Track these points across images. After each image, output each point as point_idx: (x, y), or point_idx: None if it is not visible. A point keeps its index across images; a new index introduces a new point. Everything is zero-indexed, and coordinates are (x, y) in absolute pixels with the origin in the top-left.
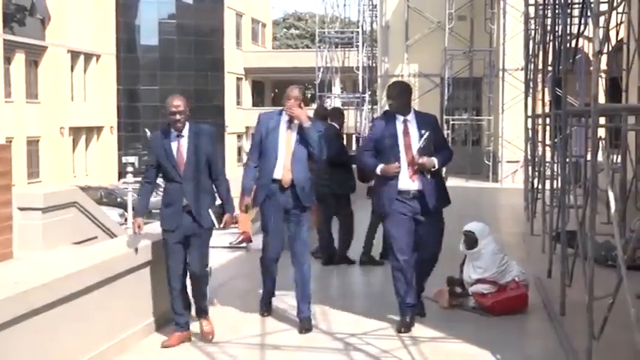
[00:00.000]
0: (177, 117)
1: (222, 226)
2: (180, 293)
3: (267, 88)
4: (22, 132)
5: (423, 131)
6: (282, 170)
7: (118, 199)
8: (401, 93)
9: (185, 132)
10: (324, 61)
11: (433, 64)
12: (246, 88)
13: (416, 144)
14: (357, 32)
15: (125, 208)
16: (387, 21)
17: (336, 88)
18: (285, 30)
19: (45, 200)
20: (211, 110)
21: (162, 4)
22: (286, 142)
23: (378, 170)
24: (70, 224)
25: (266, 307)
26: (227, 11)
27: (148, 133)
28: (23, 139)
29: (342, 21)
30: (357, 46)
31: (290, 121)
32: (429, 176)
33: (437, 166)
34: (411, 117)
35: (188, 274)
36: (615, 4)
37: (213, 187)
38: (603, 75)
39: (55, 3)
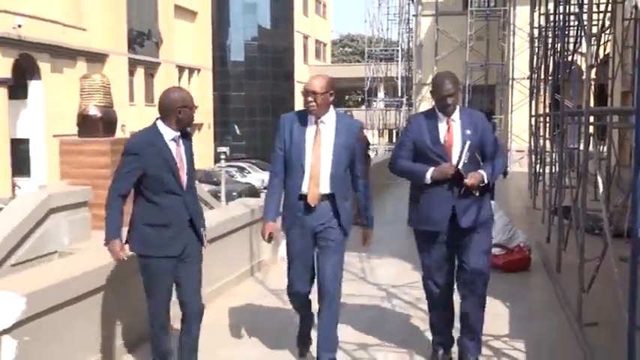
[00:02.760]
0: (193, 113)
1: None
2: (167, 329)
3: None
4: (142, 128)
5: (466, 141)
6: (309, 183)
7: (214, 179)
8: (457, 83)
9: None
10: (371, 73)
11: (456, 74)
12: None
13: (457, 152)
14: (397, 50)
15: (218, 185)
16: (421, 41)
17: (381, 94)
18: (341, 48)
19: None
20: (283, 112)
21: (247, 29)
22: (314, 148)
23: (429, 176)
24: None
25: (303, 345)
26: (296, 34)
27: (237, 129)
28: None
29: (385, 41)
30: (397, 61)
31: (318, 122)
32: (477, 193)
33: (487, 181)
34: (456, 116)
35: (183, 315)
36: (604, 28)
37: None
38: (593, 83)
39: (166, 29)
